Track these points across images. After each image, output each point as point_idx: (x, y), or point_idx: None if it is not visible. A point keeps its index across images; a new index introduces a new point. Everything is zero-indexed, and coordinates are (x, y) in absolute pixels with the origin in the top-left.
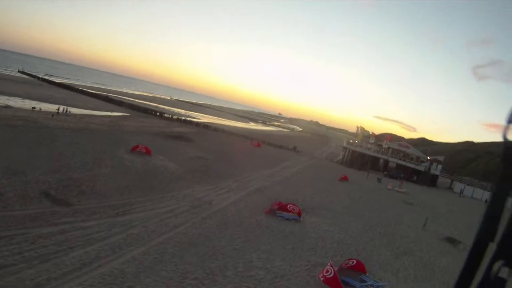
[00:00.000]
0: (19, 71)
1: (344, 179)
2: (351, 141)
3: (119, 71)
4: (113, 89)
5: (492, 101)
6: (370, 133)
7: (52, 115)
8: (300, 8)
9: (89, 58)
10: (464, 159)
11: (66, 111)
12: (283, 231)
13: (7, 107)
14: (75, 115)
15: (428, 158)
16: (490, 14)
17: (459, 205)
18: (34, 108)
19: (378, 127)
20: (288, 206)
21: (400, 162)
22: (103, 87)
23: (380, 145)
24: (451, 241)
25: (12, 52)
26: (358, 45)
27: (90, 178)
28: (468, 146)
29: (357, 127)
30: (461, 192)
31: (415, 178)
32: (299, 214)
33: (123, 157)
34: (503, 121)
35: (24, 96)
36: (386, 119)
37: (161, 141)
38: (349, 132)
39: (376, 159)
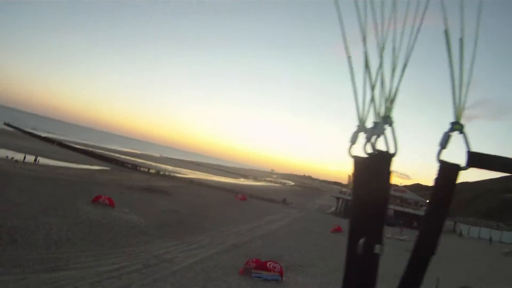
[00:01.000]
0: (4, 124)
1: (338, 230)
2: (344, 190)
3: (114, 130)
4: (101, 145)
5: (481, 139)
6: None
7: (16, 161)
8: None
9: (83, 116)
10: (463, 199)
11: (36, 160)
12: None
13: None
14: (46, 165)
15: (427, 201)
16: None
17: (465, 248)
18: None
19: None
20: (267, 264)
21: (397, 208)
22: (91, 143)
23: None
24: None
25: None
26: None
27: (30, 227)
28: (464, 186)
29: (349, 176)
30: (461, 233)
31: (415, 223)
32: (280, 273)
33: (80, 208)
34: None
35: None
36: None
37: (133, 193)
38: (343, 184)
39: None
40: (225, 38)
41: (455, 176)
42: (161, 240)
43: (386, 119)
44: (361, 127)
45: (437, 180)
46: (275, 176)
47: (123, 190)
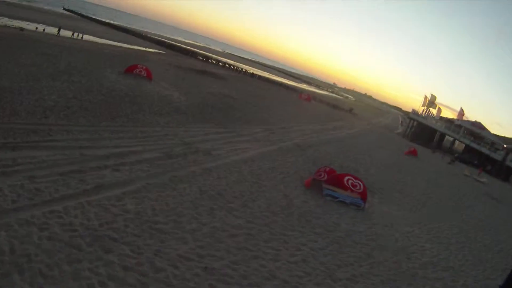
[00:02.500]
0: (63, 9)
1: (413, 153)
2: (418, 111)
3: (181, 24)
4: (164, 35)
5: None
6: (437, 107)
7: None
8: None
9: (152, 9)
10: None
11: (77, 35)
12: (335, 229)
13: (21, 29)
14: (91, 41)
15: (505, 146)
16: None
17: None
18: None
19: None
20: (345, 179)
21: (473, 145)
22: (155, 32)
23: (451, 122)
24: None
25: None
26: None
27: (23, 91)
28: None
29: (425, 96)
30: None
31: (489, 167)
32: (363, 196)
33: (106, 76)
34: None
35: (50, 24)
36: (444, 105)
37: (180, 72)
38: (403, 110)
39: (442, 137)
40: None
41: None
42: (201, 124)
43: None
44: None
45: None
46: (337, 89)
47: (171, 68)
